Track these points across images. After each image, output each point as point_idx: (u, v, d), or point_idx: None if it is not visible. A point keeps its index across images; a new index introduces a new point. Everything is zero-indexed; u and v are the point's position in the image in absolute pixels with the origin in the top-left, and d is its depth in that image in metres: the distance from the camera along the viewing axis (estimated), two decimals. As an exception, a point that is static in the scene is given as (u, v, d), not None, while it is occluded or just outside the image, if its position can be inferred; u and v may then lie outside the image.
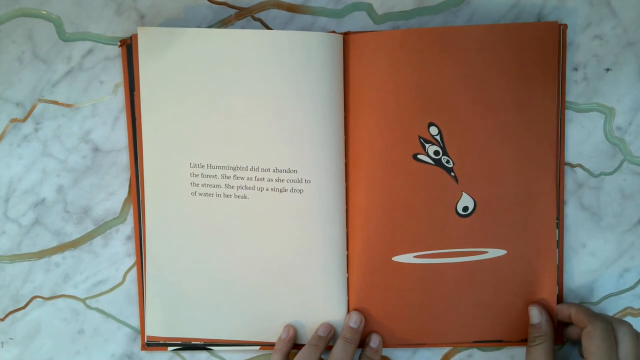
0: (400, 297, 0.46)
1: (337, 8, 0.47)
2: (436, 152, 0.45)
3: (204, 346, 0.48)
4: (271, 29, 0.47)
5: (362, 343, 0.47)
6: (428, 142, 0.45)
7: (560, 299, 0.47)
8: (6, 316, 0.49)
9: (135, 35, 0.46)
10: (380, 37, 0.44)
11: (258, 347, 0.48)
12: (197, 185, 0.46)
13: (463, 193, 0.46)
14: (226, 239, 0.46)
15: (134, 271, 0.48)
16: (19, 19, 0.47)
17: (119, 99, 0.47)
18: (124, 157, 0.48)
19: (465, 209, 0.46)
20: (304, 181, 0.45)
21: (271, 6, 0.47)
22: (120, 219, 0.48)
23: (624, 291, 0.47)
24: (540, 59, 0.44)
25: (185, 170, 0.46)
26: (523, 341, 0.47)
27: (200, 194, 0.46)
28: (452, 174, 0.45)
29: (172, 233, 0.46)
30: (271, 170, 0.45)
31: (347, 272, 0.47)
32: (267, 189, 0.45)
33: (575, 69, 0.46)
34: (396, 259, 0.46)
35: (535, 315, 0.45)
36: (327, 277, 0.46)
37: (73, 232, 0.48)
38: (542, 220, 0.46)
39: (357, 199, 0.46)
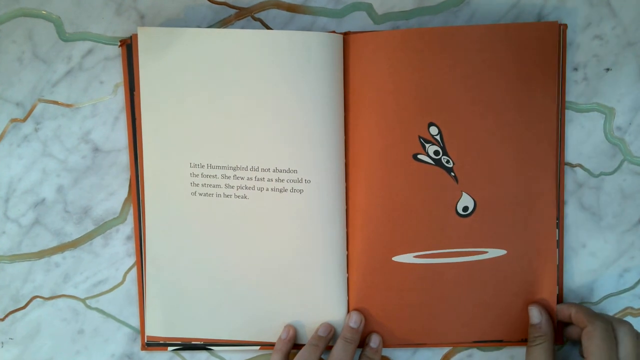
0: (400, 297, 0.46)
1: (337, 8, 0.47)
2: (436, 152, 0.45)
3: (204, 346, 0.48)
4: (271, 29, 0.47)
5: (362, 343, 0.47)
6: (428, 142, 0.45)
7: (560, 299, 0.47)
8: (6, 316, 0.49)
9: (135, 35, 0.46)
10: (380, 37, 0.44)
11: (258, 347, 0.48)
12: (197, 185, 0.46)
13: (463, 193, 0.46)
14: (226, 239, 0.46)
15: (134, 271, 0.48)
16: (19, 19, 0.47)
17: (119, 99, 0.47)
18: (124, 157, 0.48)
19: (465, 209, 0.46)
20: (304, 181, 0.45)
21: (271, 6, 0.47)
22: (120, 219, 0.48)
23: (624, 291, 0.47)
24: (540, 59, 0.44)
25: (185, 170, 0.46)
26: (523, 341, 0.47)
27: (200, 194, 0.46)
28: (452, 174, 0.45)
29: (172, 233, 0.46)
30: (271, 170, 0.45)
31: (347, 272, 0.47)
32: (267, 189, 0.45)
33: (575, 69, 0.46)
34: (396, 259, 0.46)
35: (535, 315, 0.45)
36: (327, 277, 0.46)
37: (73, 232, 0.48)
38: (542, 220, 0.46)
39: (357, 199, 0.46)
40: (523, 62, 0.44)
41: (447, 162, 0.45)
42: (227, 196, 0.46)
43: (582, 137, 0.47)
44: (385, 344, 0.47)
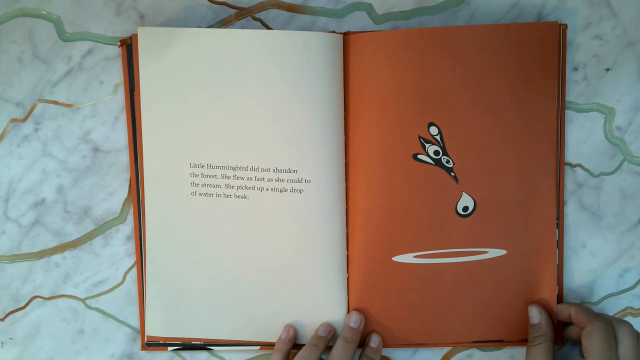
0: (400, 297, 0.46)
1: (337, 8, 0.47)
2: (436, 152, 0.45)
3: (204, 346, 0.48)
4: (271, 29, 0.47)
5: (362, 343, 0.47)
6: (428, 142, 0.45)
7: (560, 299, 0.47)
8: (6, 316, 0.49)
9: (135, 35, 0.46)
10: (380, 37, 0.44)
11: (258, 347, 0.48)
12: (197, 185, 0.46)
13: (463, 193, 0.46)
14: (226, 239, 0.46)
15: (134, 271, 0.48)
16: (19, 19, 0.47)
17: (119, 99, 0.47)
18: (124, 157, 0.48)
19: (465, 209, 0.46)
20: (304, 181, 0.45)
21: (271, 6, 0.47)
22: (120, 219, 0.48)
23: (624, 291, 0.47)
24: (540, 59, 0.44)
25: (185, 170, 0.46)
26: (523, 341, 0.47)
27: (200, 194, 0.46)
28: (452, 174, 0.45)
29: (172, 233, 0.46)
30: (271, 170, 0.45)
31: (347, 272, 0.47)
32: (267, 189, 0.45)
33: (575, 69, 0.46)
34: (396, 259, 0.46)
35: (535, 315, 0.45)
36: (327, 277, 0.46)
37: (73, 232, 0.48)
38: (542, 220, 0.46)
39: (357, 199, 0.46)
40: (523, 62, 0.44)
41: (447, 162, 0.45)
42: (227, 196, 0.46)
43: (582, 137, 0.47)
44: (385, 344, 0.47)
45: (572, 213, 0.47)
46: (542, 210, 0.46)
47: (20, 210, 0.48)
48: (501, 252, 0.46)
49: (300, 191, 0.45)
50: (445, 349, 0.48)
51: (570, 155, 0.47)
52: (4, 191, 0.48)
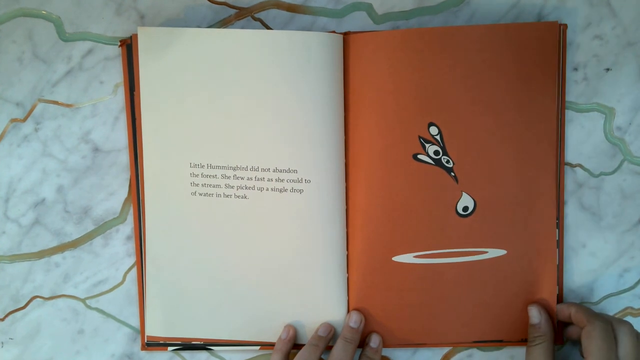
0: (400, 297, 0.46)
1: (337, 8, 0.47)
2: (436, 152, 0.45)
3: (204, 346, 0.48)
4: (271, 29, 0.47)
5: (362, 343, 0.47)
6: (428, 142, 0.45)
7: (560, 299, 0.47)
8: (6, 316, 0.49)
9: (135, 35, 0.46)
10: (380, 37, 0.44)
11: (258, 347, 0.48)
12: (197, 185, 0.46)
13: (463, 193, 0.46)
14: (226, 239, 0.46)
15: (134, 271, 0.48)
16: (19, 19, 0.47)
17: (119, 99, 0.47)
18: (124, 157, 0.48)
19: (465, 209, 0.46)
20: (304, 181, 0.45)
21: (271, 6, 0.47)
22: (120, 219, 0.48)
23: (624, 291, 0.47)
24: (540, 59, 0.44)
25: (185, 170, 0.46)
26: (523, 341, 0.47)
27: (200, 194, 0.46)
28: (452, 174, 0.45)
29: (172, 233, 0.46)
30: (271, 170, 0.45)
31: (347, 272, 0.47)
32: (267, 189, 0.45)
33: (575, 69, 0.46)
34: (396, 259, 0.46)
35: (535, 315, 0.45)
36: (327, 277, 0.46)
37: (73, 232, 0.48)
38: (542, 220, 0.46)
39: (357, 199, 0.46)
40: (523, 62, 0.44)
41: (447, 162, 0.45)
42: (227, 196, 0.46)
43: (582, 137, 0.47)
44: (385, 344, 0.47)
45: (572, 213, 0.47)
46: (542, 210, 0.46)
47: (20, 210, 0.48)
48: (501, 252, 0.46)
49: (300, 191, 0.45)
50: (445, 349, 0.48)
51: (570, 155, 0.47)
52: (4, 191, 0.48)
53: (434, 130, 0.45)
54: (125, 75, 0.46)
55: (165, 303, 0.47)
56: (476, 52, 0.44)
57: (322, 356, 0.45)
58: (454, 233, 0.46)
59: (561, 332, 0.47)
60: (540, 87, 0.45)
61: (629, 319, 0.47)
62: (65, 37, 0.47)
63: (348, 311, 0.47)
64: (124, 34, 0.47)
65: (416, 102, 0.45)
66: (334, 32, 0.45)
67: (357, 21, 0.47)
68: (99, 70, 0.47)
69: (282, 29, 0.47)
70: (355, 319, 0.46)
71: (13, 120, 0.48)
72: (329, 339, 0.46)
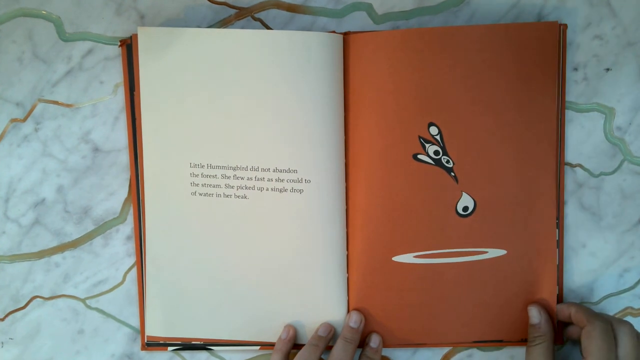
0: (400, 297, 0.46)
1: (337, 8, 0.47)
2: (436, 152, 0.45)
3: (204, 346, 0.48)
4: (271, 29, 0.47)
5: (362, 343, 0.47)
6: (428, 142, 0.45)
7: (560, 299, 0.47)
8: (6, 316, 0.49)
9: (135, 35, 0.46)
10: (380, 37, 0.44)
11: (258, 347, 0.48)
12: (197, 185, 0.46)
13: (463, 193, 0.46)
14: (226, 239, 0.46)
15: (134, 271, 0.48)
16: (19, 19, 0.47)
17: (119, 99, 0.47)
18: (124, 157, 0.48)
19: (465, 209, 0.46)
20: (304, 181, 0.45)
21: (271, 6, 0.47)
22: (120, 219, 0.48)
23: (624, 291, 0.47)
24: (540, 59, 0.44)
25: (185, 170, 0.46)
26: (523, 341, 0.47)
27: (200, 194, 0.46)
28: (452, 174, 0.45)
29: (172, 233, 0.46)
30: (271, 170, 0.45)
31: (347, 272, 0.47)
32: (267, 189, 0.45)
33: (575, 69, 0.46)
34: (396, 259, 0.46)
35: (535, 315, 0.45)
36: (327, 277, 0.46)
37: (73, 232, 0.48)
38: (542, 220, 0.46)
39: (357, 199, 0.46)
40: (523, 62, 0.44)
41: (447, 162, 0.45)
42: (227, 196, 0.46)
43: (582, 137, 0.47)
44: (385, 344, 0.47)
45: (572, 213, 0.47)
46: (542, 210, 0.46)
47: (20, 210, 0.48)
48: (501, 252, 0.46)
49: (300, 191, 0.45)
50: (445, 349, 0.48)
51: (570, 155, 0.47)
52: (4, 191, 0.48)
53: (434, 130, 0.45)
54: (125, 75, 0.46)
55: (165, 303, 0.47)
56: (476, 52, 0.44)
57: (322, 356, 0.45)
58: (454, 233, 0.46)
59: (561, 332, 0.47)
60: (540, 87, 0.45)
61: (629, 319, 0.47)
62: (65, 37, 0.47)
63: (348, 311, 0.47)
64: (124, 34, 0.47)
65: (416, 102, 0.45)
66: (334, 32, 0.45)
67: (357, 21, 0.47)
68: (99, 70, 0.47)
69: (282, 29, 0.47)
70: (355, 319, 0.46)
71: (13, 120, 0.48)
72: (329, 339, 0.46)
